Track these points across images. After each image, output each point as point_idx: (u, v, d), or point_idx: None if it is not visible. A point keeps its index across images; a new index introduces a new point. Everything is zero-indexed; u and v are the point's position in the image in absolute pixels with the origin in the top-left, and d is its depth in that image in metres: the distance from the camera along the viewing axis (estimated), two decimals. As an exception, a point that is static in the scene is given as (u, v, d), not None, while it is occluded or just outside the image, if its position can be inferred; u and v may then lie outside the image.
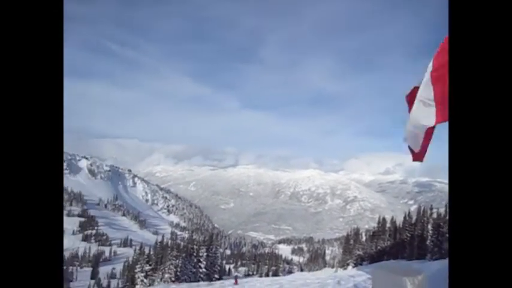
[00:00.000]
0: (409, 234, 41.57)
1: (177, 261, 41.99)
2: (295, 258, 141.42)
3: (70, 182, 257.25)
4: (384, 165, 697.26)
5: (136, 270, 44.13)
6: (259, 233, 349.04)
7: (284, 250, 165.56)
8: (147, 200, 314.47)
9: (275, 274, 73.15)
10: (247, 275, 77.52)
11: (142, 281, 41.59)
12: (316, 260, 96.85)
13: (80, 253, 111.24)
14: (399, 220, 48.76)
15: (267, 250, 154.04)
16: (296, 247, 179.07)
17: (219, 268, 52.10)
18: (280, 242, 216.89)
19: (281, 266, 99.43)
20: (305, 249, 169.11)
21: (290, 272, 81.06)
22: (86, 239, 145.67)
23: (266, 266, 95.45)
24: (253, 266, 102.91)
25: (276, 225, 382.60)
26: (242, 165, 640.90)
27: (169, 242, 71.08)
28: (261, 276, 72.74)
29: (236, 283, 32.74)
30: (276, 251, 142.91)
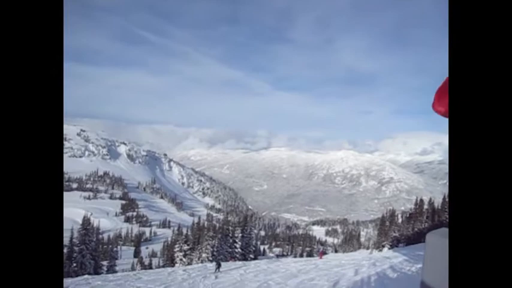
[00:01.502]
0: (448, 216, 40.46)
1: (214, 241, 43.56)
2: (329, 240, 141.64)
3: (111, 166, 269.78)
4: (421, 145, 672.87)
5: (175, 250, 46.27)
6: (293, 214, 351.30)
7: (318, 232, 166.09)
8: (183, 183, 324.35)
9: (309, 255, 73.91)
10: (281, 255, 78.87)
11: (181, 260, 43.61)
12: (350, 241, 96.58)
13: (123, 233, 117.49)
14: (438, 202, 47.45)
15: (300, 231, 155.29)
16: (330, 229, 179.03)
17: (253, 248, 53.48)
18: (314, 223, 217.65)
19: (315, 247, 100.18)
20: (339, 230, 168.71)
21: (324, 253, 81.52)
22: (127, 220, 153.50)
23: (300, 247, 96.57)
24: (287, 246, 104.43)
25: (309, 207, 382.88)
26: (275, 147, 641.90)
27: (206, 223, 73.50)
28: (295, 256, 73.80)
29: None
30: (310, 233, 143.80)
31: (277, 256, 64.07)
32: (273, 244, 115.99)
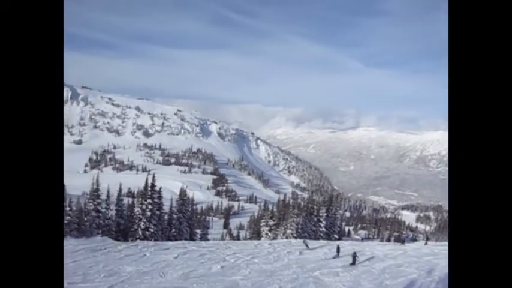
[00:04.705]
0: None
1: (298, 219, 44.47)
2: (421, 226, 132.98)
3: (203, 143, 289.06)
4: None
5: (261, 224, 48.49)
6: (381, 197, 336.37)
7: (408, 217, 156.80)
8: (269, 161, 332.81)
9: (397, 240, 70.68)
10: (367, 238, 76.94)
11: (267, 234, 45.63)
12: (445, 230, 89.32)
13: (214, 206, 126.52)
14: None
15: (388, 215, 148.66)
16: (422, 215, 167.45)
17: (338, 229, 53.21)
18: (403, 208, 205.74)
19: (404, 232, 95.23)
20: (432, 217, 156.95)
21: (414, 239, 77.10)
22: (218, 194, 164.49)
23: (388, 232, 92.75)
24: (373, 230, 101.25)
25: (399, 191, 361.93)
26: (363, 127, 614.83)
27: (291, 201, 74.97)
28: (381, 240, 71.31)
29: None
30: (399, 217, 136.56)
31: (363, 239, 62.69)
32: (358, 226, 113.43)
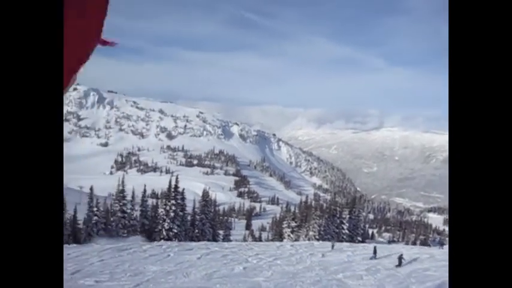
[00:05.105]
0: None
1: (321, 221, 44.07)
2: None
3: (225, 145, 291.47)
4: None
5: (283, 226, 48.37)
6: (406, 199, 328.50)
7: (434, 220, 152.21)
8: (291, 163, 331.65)
9: (423, 244, 68.79)
10: (391, 241, 75.30)
11: (289, 235, 45.46)
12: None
13: (236, 207, 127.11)
14: None
15: (414, 218, 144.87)
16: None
17: (361, 231, 52.35)
18: (430, 210, 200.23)
19: (431, 236, 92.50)
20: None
21: (442, 243, 74.69)
22: (240, 195, 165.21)
23: (413, 235, 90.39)
24: (398, 232, 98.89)
25: (425, 192, 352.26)
26: (387, 127, 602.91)
27: (313, 202, 74.42)
28: (407, 243, 69.61)
29: None
30: (425, 220, 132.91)
31: (389, 242, 61.37)
32: (383, 229, 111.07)
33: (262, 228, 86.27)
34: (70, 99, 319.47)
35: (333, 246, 26.92)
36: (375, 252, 22.37)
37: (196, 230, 39.83)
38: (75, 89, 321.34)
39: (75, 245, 27.28)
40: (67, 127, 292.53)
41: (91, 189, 36.94)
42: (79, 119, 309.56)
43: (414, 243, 70.80)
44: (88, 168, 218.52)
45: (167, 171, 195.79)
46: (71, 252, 21.11)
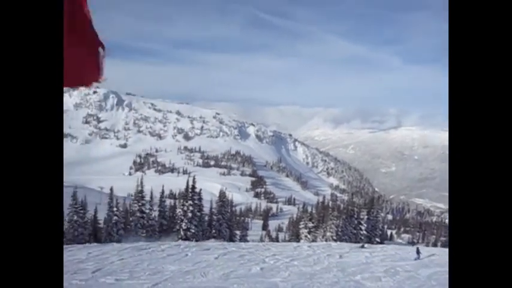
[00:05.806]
0: None
1: (338, 221, 43.64)
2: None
3: (241, 146, 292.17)
4: None
5: (300, 227, 48.11)
6: (426, 199, 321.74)
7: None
8: (307, 163, 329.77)
9: (444, 245, 67.23)
10: (411, 243, 73.88)
11: (306, 236, 45.18)
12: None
13: (253, 208, 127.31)
14: None
15: (434, 219, 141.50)
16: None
17: (380, 232, 51.55)
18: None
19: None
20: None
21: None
22: (256, 195, 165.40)
23: (434, 236, 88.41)
24: (418, 234, 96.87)
25: (446, 193, 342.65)
26: (405, 126, 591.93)
27: (330, 203, 73.79)
28: (427, 245, 68.17)
29: None
30: (446, 221, 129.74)
31: (409, 243, 60.15)
32: (402, 230, 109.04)
33: (279, 229, 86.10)
34: (90, 102, 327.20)
35: (362, 246, 27.57)
36: (418, 252, 22.37)
37: (214, 231, 40.11)
38: (95, 92, 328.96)
39: (96, 244, 27.99)
40: (87, 129, 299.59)
41: (111, 189, 37.76)
42: (99, 121, 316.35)
43: (435, 245, 69.30)
44: (108, 169, 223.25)
45: (184, 172, 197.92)
46: (92, 251, 21.65)
